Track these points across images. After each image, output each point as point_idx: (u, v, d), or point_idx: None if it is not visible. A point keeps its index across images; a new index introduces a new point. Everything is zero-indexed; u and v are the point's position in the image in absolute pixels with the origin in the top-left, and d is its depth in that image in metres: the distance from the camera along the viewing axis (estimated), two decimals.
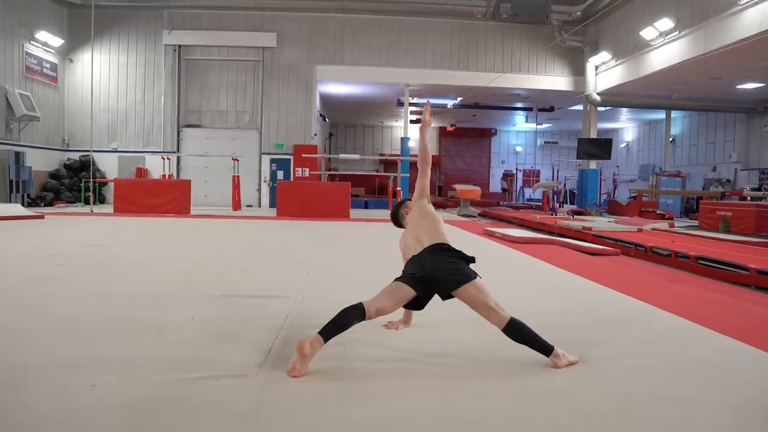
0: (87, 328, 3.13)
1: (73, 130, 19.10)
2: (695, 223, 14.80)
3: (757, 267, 6.42)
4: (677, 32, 14.55)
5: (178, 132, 19.44)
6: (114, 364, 2.52)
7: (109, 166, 19.13)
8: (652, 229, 12.29)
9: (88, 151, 16.48)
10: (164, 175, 17.28)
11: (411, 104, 21.18)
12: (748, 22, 11.94)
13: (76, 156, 18.87)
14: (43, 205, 16.80)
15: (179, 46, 19.21)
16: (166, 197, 14.17)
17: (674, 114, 22.66)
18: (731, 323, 3.65)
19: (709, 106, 19.92)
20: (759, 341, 3.14)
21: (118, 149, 19.34)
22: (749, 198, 15.66)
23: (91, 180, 15.41)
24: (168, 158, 17.57)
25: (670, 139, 22.75)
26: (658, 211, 18.34)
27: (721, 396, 2.33)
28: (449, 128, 29.07)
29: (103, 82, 19.06)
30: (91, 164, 15.81)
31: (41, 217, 11.50)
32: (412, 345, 2.94)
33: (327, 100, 23.03)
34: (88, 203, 15.47)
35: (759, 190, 18.69)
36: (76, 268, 5.25)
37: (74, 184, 18.34)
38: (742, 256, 7.44)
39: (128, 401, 2.10)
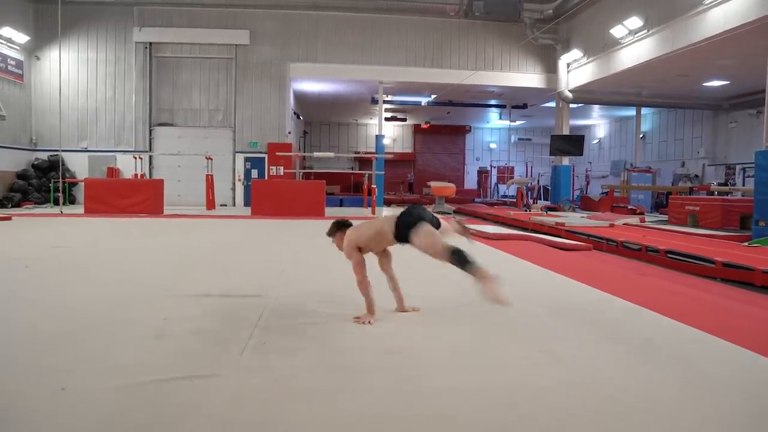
0: (56, 332, 3.07)
1: (40, 129, 18.66)
2: (665, 217, 15.13)
3: (722, 260, 6.60)
4: (646, 30, 14.83)
5: (150, 131, 19.13)
6: (84, 367, 2.48)
7: (79, 165, 18.74)
8: (624, 224, 12.52)
9: (57, 150, 16.11)
10: (136, 175, 16.99)
11: (385, 102, 21.19)
12: (713, 21, 12.24)
13: (44, 156, 18.45)
14: (10, 206, 16.38)
15: (150, 44, 18.91)
16: (139, 197, 13.95)
17: (644, 111, 23.10)
18: (697, 315, 3.75)
19: (677, 103, 20.35)
20: (718, 330, 3.24)
21: (89, 148, 18.96)
22: (716, 193, 16.08)
23: (61, 180, 15.07)
24: (140, 157, 17.28)
25: (641, 136, 23.19)
26: (629, 207, 18.70)
27: (684, 383, 2.40)
28: (424, 125, 29.19)
29: (72, 80, 18.65)
30: (60, 164, 15.46)
31: (8, 218, 11.23)
32: (382, 341, 2.96)
33: (301, 98, 22.91)
34: (58, 204, 15.13)
35: (725, 185, 19.21)
36: (45, 271, 5.14)
37: (43, 184, 17.93)
38: (709, 249, 7.64)
39: (98, 405, 2.08)
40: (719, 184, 19.03)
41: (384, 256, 3.52)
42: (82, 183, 15.45)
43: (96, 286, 4.46)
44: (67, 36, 17.91)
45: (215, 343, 2.88)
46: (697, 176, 21.15)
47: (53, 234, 8.73)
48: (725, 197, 14.53)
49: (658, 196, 21.56)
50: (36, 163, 18.30)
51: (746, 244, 9.13)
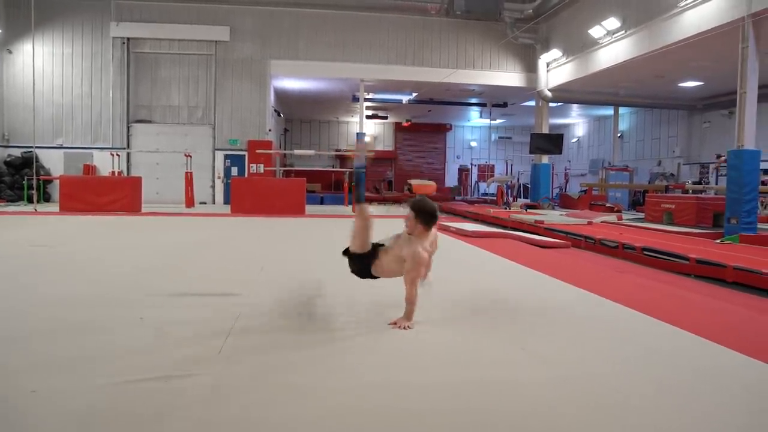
0: (28, 331, 3.02)
1: (13, 125, 18.28)
2: (642, 215, 15.37)
3: (696, 257, 6.73)
4: (623, 31, 15.02)
5: (128, 127, 18.86)
6: (56, 368, 2.44)
7: (54, 162, 18.40)
8: (602, 221, 12.70)
9: (31, 147, 15.80)
10: (113, 172, 16.75)
11: (366, 99, 21.16)
12: (687, 23, 12.46)
13: (17, 152, 18.07)
14: None
15: (128, 39, 18.63)
16: (116, 195, 13.77)
17: (622, 110, 23.41)
18: (671, 311, 3.82)
19: (654, 103, 20.67)
20: (693, 327, 3.31)
21: (64, 145, 18.63)
22: (691, 191, 16.37)
23: (34, 177, 14.77)
24: (117, 154, 17.03)
25: (619, 135, 23.50)
26: (607, 204, 18.95)
27: (654, 376, 2.44)
28: (405, 123, 29.24)
29: (47, 75, 18.30)
30: (34, 161, 15.15)
31: None
32: (361, 339, 2.96)
33: (282, 96, 22.78)
34: (32, 202, 14.85)
35: (699, 183, 19.57)
36: (18, 270, 5.05)
37: (16, 182, 17.57)
38: (684, 247, 7.78)
39: (70, 407, 2.04)
40: (694, 183, 19.38)
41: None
42: (58, 180, 15.17)
43: (70, 285, 4.39)
44: (41, 30, 17.57)
45: (193, 342, 2.85)
46: (672, 175, 21.51)
47: (27, 232, 8.56)
48: (699, 195, 14.81)
49: (635, 194, 21.88)
50: (8, 159, 17.92)
51: (719, 241, 9.32)
